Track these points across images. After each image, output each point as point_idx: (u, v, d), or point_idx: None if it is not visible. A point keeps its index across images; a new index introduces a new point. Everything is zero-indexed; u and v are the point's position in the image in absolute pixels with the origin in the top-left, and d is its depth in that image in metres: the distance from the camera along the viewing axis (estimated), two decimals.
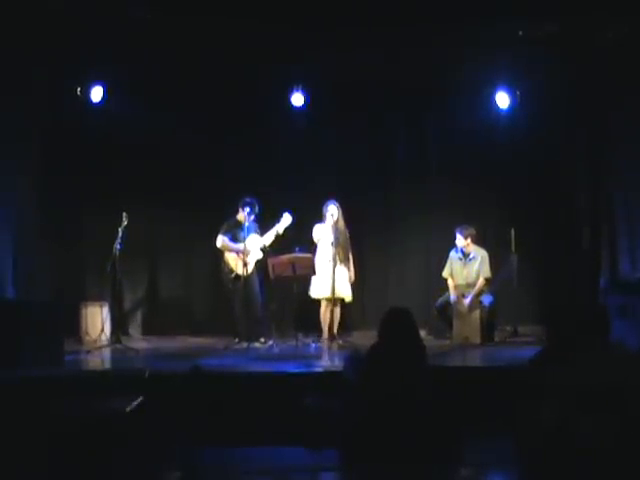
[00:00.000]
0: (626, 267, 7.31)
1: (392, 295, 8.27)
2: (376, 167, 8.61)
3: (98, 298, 7.85)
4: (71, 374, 5.58)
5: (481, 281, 7.37)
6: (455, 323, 7.28)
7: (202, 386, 4.66)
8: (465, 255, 7.51)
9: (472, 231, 7.48)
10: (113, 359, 6.64)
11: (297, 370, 5.67)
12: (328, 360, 6.58)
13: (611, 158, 7.68)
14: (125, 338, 7.58)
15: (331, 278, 7.11)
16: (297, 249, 7.09)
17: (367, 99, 8.16)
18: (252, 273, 7.32)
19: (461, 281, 7.47)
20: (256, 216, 7.37)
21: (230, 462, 4.46)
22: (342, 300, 7.35)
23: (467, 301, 7.28)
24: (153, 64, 7.44)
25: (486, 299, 7.32)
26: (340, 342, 7.21)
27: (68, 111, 7.68)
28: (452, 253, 7.60)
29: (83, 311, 7.70)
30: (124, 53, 7.16)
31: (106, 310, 7.70)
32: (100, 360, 6.64)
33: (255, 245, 7.28)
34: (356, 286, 7.63)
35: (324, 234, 7.30)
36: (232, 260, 7.31)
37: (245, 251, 7.15)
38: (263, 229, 7.40)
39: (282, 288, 7.44)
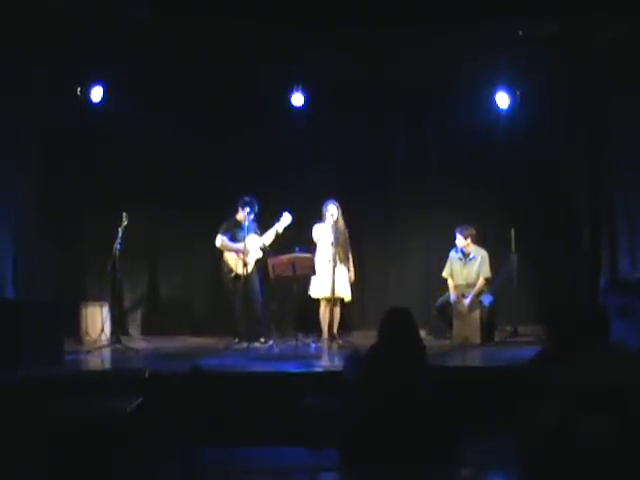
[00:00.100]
0: (626, 267, 7.31)
1: (392, 295, 8.27)
2: (376, 167, 8.61)
3: (98, 298, 7.85)
4: (71, 374, 5.58)
5: (481, 281, 7.38)
6: (455, 323, 7.28)
7: (202, 386, 4.66)
8: (465, 255, 7.51)
9: (472, 231, 7.48)
10: (113, 359, 6.64)
11: (297, 370, 5.67)
12: (328, 360, 6.58)
13: (611, 158, 7.68)
14: (125, 338, 7.58)
15: (331, 278, 7.11)
16: (297, 249, 7.09)
17: (367, 99, 8.16)
18: (252, 273, 7.32)
19: (461, 281, 7.47)
20: (255, 215, 7.37)
21: (230, 462, 4.46)
22: (342, 300, 7.35)
23: (467, 301, 7.28)
24: (153, 64, 7.43)
25: (486, 299, 7.32)
26: (340, 342, 7.21)
27: (68, 111, 7.67)
28: (452, 253, 7.60)
29: (83, 311, 7.69)
30: (124, 53, 7.15)
31: (106, 310, 7.70)
32: (100, 360, 6.64)
33: (254, 244, 7.28)
34: (356, 286, 7.63)
35: (324, 234, 7.30)
36: (232, 260, 7.31)
37: (245, 251, 7.15)
38: (263, 229, 7.40)
39: (282, 288, 7.44)
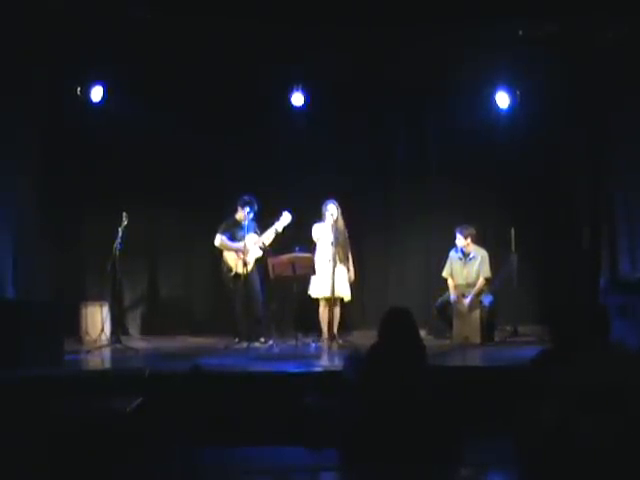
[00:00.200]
0: (626, 267, 7.31)
1: (392, 295, 8.28)
2: (376, 167, 8.62)
3: (98, 298, 7.85)
4: (71, 374, 5.58)
5: (481, 281, 7.38)
6: (455, 323, 7.28)
7: (202, 386, 4.66)
8: (465, 255, 7.51)
9: (472, 231, 7.48)
10: (113, 359, 6.64)
11: (297, 370, 5.66)
12: (328, 360, 6.58)
13: (611, 158, 7.68)
14: (125, 338, 7.58)
15: (331, 278, 7.11)
16: (297, 249, 7.08)
17: (367, 99, 8.16)
18: (252, 272, 7.32)
19: (461, 281, 7.47)
20: (255, 215, 7.37)
21: (230, 462, 4.46)
22: (341, 300, 7.35)
23: (467, 301, 7.28)
24: (153, 64, 7.43)
25: (486, 299, 7.32)
26: (340, 342, 7.21)
27: (68, 111, 7.68)
28: (452, 253, 7.60)
29: (83, 311, 7.69)
30: (124, 53, 7.16)
31: (106, 310, 7.70)
32: (100, 360, 6.64)
33: (254, 243, 7.27)
34: (356, 286, 7.63)
35: (323, 233, 7.30)
36: (231, 259, 7.31)
37: (245, 250, 7.15)
38: (262, 228, 7.40)
39: (282, 288, 7.44)
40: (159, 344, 7.50)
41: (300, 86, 7.87)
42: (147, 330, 8.29)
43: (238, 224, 7.33)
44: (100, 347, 7.06)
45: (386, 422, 3.81)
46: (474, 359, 6.59)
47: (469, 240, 7.46)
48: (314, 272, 7.15)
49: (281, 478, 4.21)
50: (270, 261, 7.06)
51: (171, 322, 8.28)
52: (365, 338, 6.74)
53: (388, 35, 7.02)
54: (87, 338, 7.56)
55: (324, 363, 6.40)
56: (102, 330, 7.56)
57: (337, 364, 5.82)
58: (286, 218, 7.27)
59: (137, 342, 7.64)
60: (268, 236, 7.31)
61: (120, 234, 7.11)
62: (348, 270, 7.39)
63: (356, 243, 7.76)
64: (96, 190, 8.04)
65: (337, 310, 7.29)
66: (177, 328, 8.15)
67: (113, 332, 7.45)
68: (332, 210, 7.28)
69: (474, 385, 5.05)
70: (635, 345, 5.52)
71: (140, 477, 4.15)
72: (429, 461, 3.78)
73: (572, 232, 8.17)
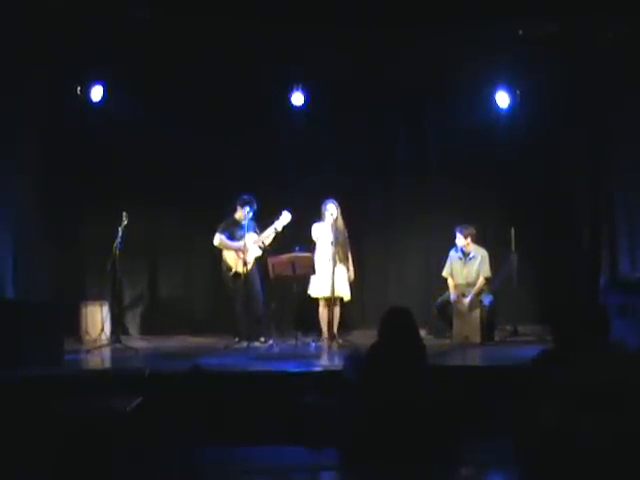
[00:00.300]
0: (626, 267, 7.31)
1: (392, 294, 8.28)
2: (376, 167, 8.62)
3: (98, 298, 7.86)
4: (71, 374, 5.58)
5: (481, 280, 7.37)
6: (455, 322, 7.28)
7: (202, 386, 4.66)
8: (465, 254, 7.51)
9: (472, 230, 7.48)
10: (113, 358, 6.64)
11: (297, 369, 5.66)
12: (328, 359, 6.58)
13: (611, 158, 7.68)
14: (125, 337, 7.58)
15: (330, 277, 7.11)
16: (297, 248, 7.09)
17: (367, 99, 8.16)
18: (252, 271, 7.32)
19: (461, 280, 7.47)
20: (254, 214, 7.37)
21: (230, 462, 4.46)
22: (341, 299, 7.35)
23: (467, 300, 7.28)
24: (153, 64, 7.43)
25: (486, 298, 7.32)
26: (340, 341, 7.21)
27: (68, 111, 7.68)
28: (452, 252, 7.60)
29: (83, 310, 7.70)
30: (124, 53, 7.16)
31: (106, 309, 7.71)
32: (100, 359, 6.64)
33: (253, 242, 7.27)
34: (356, 285, 7.63)
35: (323, 233, 7.30)
36: (230, 258, 7.31)
37: (244, 249, 7.15)
38: (262, 228, 7.40)
39: (282, 287, 7.44)
40: (159, 344, 7.50)
41: (300, 86, 7.87)
42: (147, 330, 8.29)
43: (237, 223, 7.34)
44: (100, 347, 7.06)
45: (386, 422, 3.82)
46: (474, 359, 6.59)
47: (469, 240, 7.46)
48: (314, 272, 7.16)
49: (281, 478, 4.21)
50: (270, 261, 7.06)
51: (171, 322, 8.28)
52: (365, 338, 6.73)
53: (388, 35, 7.01)
54: (87, 338, 7.57)
55: (324, 363, 6.40)
56: (102, 330, 7.57)
57: (337, 364, 5.81)
58: (286, 217, 7.27)
59: (137, 342, 7.64)
60: (267, 235, 7.31)
61: (120, 234, 7.11)
62: (348, 270, 7.39)
63: (356, 243, 7.76)
64: (96, 190, 8.05)
65: (337, 310, 7.29)
66: (177, 328, 8.15)
67: (113, 332, 7.46)
68: (332, 210, 7.28)
69: (474, 385, 5.04)
70: (635, 345, 5.52)
71: (140, 477, 4.15)
72: (429, 461, 3.78)
73: (572, 232, 8.16)
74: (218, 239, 7.33)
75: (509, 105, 7.93)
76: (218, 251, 7.41)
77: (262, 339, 7.22)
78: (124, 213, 7.14)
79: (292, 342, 7.07)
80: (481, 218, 7.96)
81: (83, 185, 8.02)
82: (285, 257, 7.00)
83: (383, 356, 4.05)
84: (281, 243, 7.35)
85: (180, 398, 4.60)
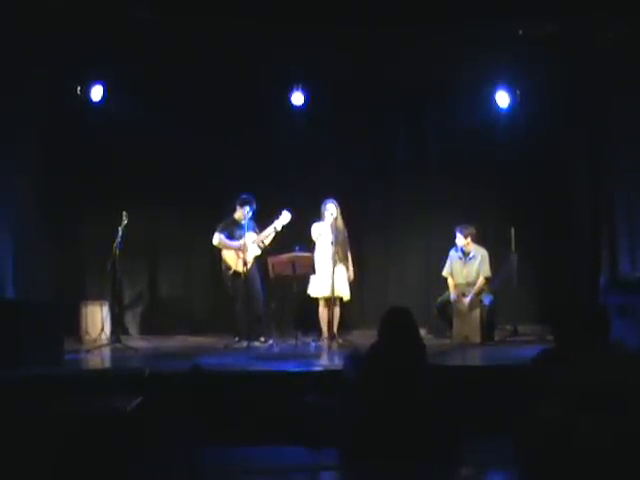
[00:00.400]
0: (626, 267, 7.31)
1: (392, 294, 8.28)
2: (376, 167, 8.62)
3: (98, 297, 7.86)
4: (71, 373, 5.58)
5: (481, 280, 7.38)
6: (455, 322, 7.28)
7: (202, 385, 4.66)
8: (465, 254, 7.51)
9: (472, 230, 7.48)
10: (113, 358, 6.64)
11: (297, 369, 5.66)
12: (328, 359, 6.58)
13: (611, 158, 7.68)
14: (125, 337, 7.59)
15: (330, 277, 7.11)
16: (297, 248, 7.08)
17: (367, 99, 8.16)
18: (252, 270, 7.32)
19: (461, 280, 7.47)
20: (254, 213, 7.37)
21: (230, 462, 4.46)
22: (340, 299, 7.35)
23: (467, 300, 7.28)
24: (153, 64, 7.44)
25: (486, 298, 7.32)
26: (340, 341, 7.21)
27: (68, 111, 7.68)
28: (452, 252, 7.60)
29: (83, 310, 7.70)
30: (124, 53, 7.15)
31: (106, 309, 7.71)
32: (100, 359, 6.64)
33: (252, 242, 7.27)
34: (355, 285, 7.63)
35: (323, 232, 7.30)
36: (229, 258, 7.31)
37: (243, 248, 7.15)
38: (262, 228, 7.40)
39: (282, 287, 7.44)
40: (159, 343, 7.50)
41: (300, 86, 7.88)
42: (147, 329, 8.29)
43: (236, 223, 7.34)
44: (100, 346, 7.06)
45: (386, 422, 3.82)
46: (474, 358, 6.59)
47: (469, 239, 7.46)
48: (314, 271, 7.16)
49: (281, 478, 4.21)
50: (270, 260, 7.06)
51: (171, 321, 8.28)
52: (365, 337, 6.73)
53: (388, 35, 7.01)
54: (87, 337, 7.57)
55: (324, 362, 6.40)
56: (102, 329, 7.57)
57: (337, 363, 5.81)
58: (285, 217, 7.27)
59: (137, 341, 7.64)
60: (267, 235, 7.32)
61: (120, 233, 7.12)
62: (347, 269, 7.39)
63: (356, 243, 7.76)
64: (96, 190, 8.05)
65: (337, 309, 7.29)
66: (177, 327, 8.15)
67: (113, 331, 7.46)
68: (331, 209, 7.28)
69: (474, 384, 5.05)
70: (635, 345, 5.52)
71: (140, 477, 4.15)
72: (429, 461, 3.78)
73: (572, 232, 8.16)
74: (217, 238, 7.33)
75: (509, 105, 7.94)
76: (218, 251, 7.41)
77: (262, 339, 7.22)
78: (124, 213, 7.15)
79: (292, 342, 7.07)
80: (481, 218, 7.96)
81: (83, 185, 8.02)
82: (285, 257, 7.00)
83: (383, 356, 4.05)
84: (281, 243, 7.36)
85: (180, 398, 4.60)
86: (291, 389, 4.98)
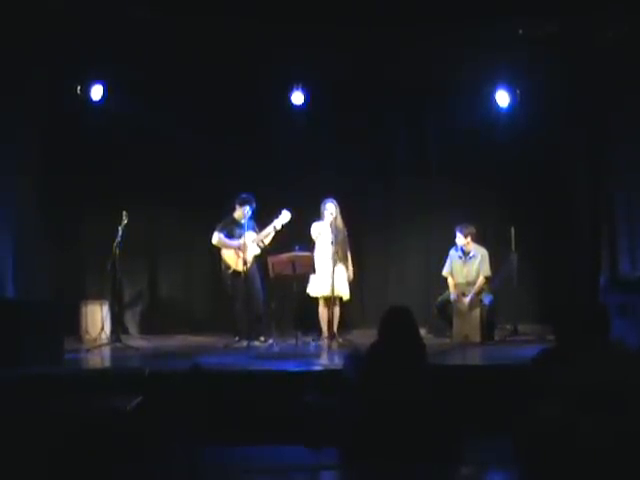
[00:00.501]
0: (626, 267, 7.32)
1: (392, 294, 8.29)
2: (376, 167, 8.62)
3: (98, 297, 7.86)
4: (71, 373, 5.58)
5: (481, 280, 7.38)
6: (455, 322, 7.28)
7: (202, 385, 4.66)
8: (465, 254, 7.51)
9: (472, 230, 7.48)
10: (113, 358, 6.64)
11: (297, 369, 5.65)
12: (328, 359, 6.58)
13: (611, 158, 7.68)
14: (125, 337, 7.59)
15: (330, 277, 7.11)
16: (297, 248, 7.08)
17: (367, 99, 8.17)
18: (252, 269, 7.32)
19: (461, 279, 7.47)
20: (253, 213, 7.37)
21: (230, 461, 4.46)
22: (340, 299, 7.35)
23: (467, 300, 7.28)
24: (153, 64, 7.44)
25: (486, 298, 7.33)
26: (340, 341, 7.21)
27: (68, 111, 7.68)
28: (452, 251, 7.61)
29: (83, 310, 7.70)
30: (124, 53, 7.16)
31: (106, 309, 7.71)
32: (100, 359, 6.64)
33: (252, 241, 7.27)
34: (355, 285, 7.64)
35: (322, 231, 7.30)
36: (229, 257, 7.31)
37: (243, 247, 7.15)
38: (262, 227, 7.40)
39: (282, 287, 7.44)
40: (159, 343, 7.50)
41: (300, 86, 7.88)
42: (147, 329, 8.29)
43: (236, 222, 7.34)
44: (100, 346, 7.07)
45: (386, 421, 3.82)
46: (474, 358, 6.60)
47: (469, 239, 7.46)
48: (314, 271, 7.16)
49: (281, 477, 4.21)
50: (270, 260, 7.06)
51: (171, 321, 8.29)
52: (365, 337, 6.73)
53: (388, 35, 7.02)
54: (87, 337, 7.57)
55: (324, 362, 6.40)
56: (102, 329, 7.57)
57: (337, 363, 5.82)
58: (285, 216, 7.27)
59: (137, 341, 7.64)
60: (267, 234, 7.32)
61: (120, 233, 7.12)
62: (347, 269, 7.39)
63: (356, 242, 7.77)
64: (96, 190, 8.04)
65: (337, 309, 7.29)
66: (177, 327, 8.16)
67: (113, 331, 7.46)
68: (331, 209, 7.28)
69: (474, 384, 5.05)
70: (635, 344, 5.52)
71: (140, 477, 4.15)
72: (429, 460, 3.78)
73: (572, 232, 8.17)
74: (216, 238, 7.34)
75: (509, 105, 7.94)
76: (217, 250, 7.41)
77: (262, 338, 7.22)
78: (124, 212, 7.15)
79: (292, 341, 7.06)
80: (481, 218, 7.96)
81: (83, 185, 8.02)
82: (285, 256, 7.00)
83: (383, 355, 4.05)
84: (281, 242, 7.36)
85: (180, 397, 4.60)
86: (291, 389, 4.98)
